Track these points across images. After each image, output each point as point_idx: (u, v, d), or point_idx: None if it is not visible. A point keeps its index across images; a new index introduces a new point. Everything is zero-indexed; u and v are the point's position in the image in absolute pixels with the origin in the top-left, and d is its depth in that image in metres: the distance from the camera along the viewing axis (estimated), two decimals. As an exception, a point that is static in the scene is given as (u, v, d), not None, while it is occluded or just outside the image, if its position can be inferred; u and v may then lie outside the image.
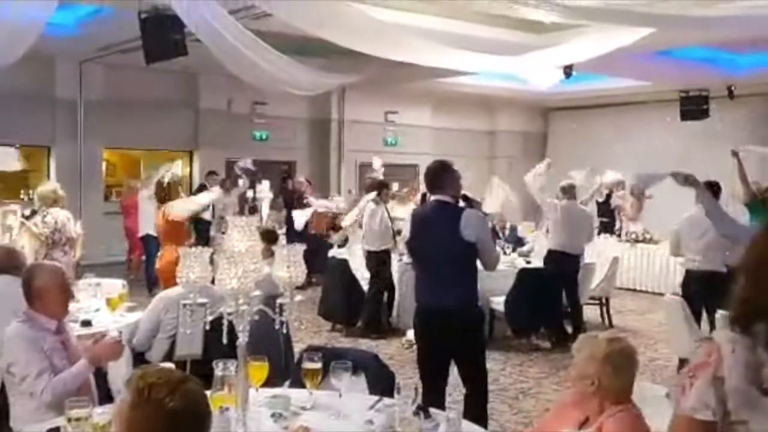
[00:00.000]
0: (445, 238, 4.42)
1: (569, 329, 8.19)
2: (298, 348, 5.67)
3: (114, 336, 3.72)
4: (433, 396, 3.98)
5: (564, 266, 8.18)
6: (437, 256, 4.45)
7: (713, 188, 7.08)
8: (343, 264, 8.96)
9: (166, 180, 6.91)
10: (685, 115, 13.56)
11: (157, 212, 7.18)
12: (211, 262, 2.77)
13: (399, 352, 7.86)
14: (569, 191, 8.43)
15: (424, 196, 8.84)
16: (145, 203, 11.10)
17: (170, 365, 3.19)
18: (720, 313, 5.76)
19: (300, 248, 2.80)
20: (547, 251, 8.42)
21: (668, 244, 7.64)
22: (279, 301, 2.74)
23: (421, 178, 7.00)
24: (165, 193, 6.96)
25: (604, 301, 9.31)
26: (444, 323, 4.39)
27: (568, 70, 10.07)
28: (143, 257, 11.84)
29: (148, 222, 11.16)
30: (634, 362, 2.80)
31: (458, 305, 4.40)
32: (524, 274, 8.11)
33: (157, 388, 1.84)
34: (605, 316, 9.30)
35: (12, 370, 3.38)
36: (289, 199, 12.36)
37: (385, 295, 8.81)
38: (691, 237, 6.94)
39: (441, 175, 4.59)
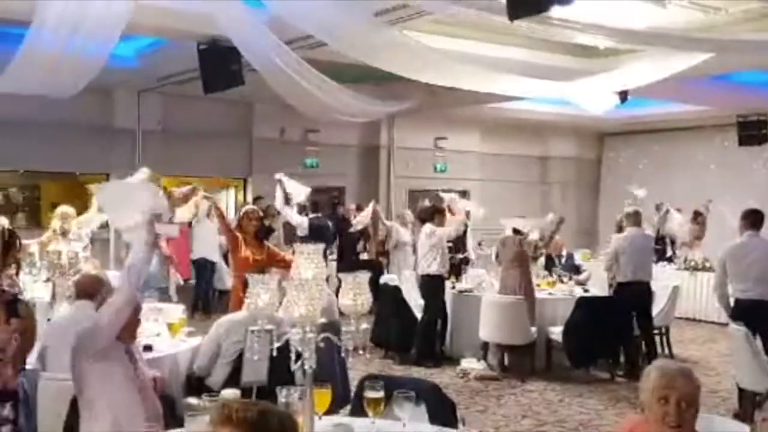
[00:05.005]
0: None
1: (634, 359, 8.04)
2: (351, 374, 5.67)
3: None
4: None
5: (636, 295, 8.07)
6: None
7: (756, 216, 6.89)
8: (396, 290, 8.94)
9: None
10: (744, 140, 13.24)
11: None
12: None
13: (453, 382, 7.76)
14: (634, 218, 8.28)
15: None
16: (199, 228, 11.22)
17: (233, 391, 3.21)
18: None
19: (365, 276, 2.79)
20: (617, 284, 8.25)
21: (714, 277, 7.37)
22: (344, 329, 2.73)
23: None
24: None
25: (663, 330, 9.08)
26: None
27: (623, 95, 9.94)
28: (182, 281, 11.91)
29: (203, 246, 11.30)
30: None
31: None
32: (582, 303, 7.96)
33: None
34: (665, 345, 9.07)
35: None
36: (339, 227, 12.36)
37: (439, 323, 8.73)
38: (737, 266, 6.75)
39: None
